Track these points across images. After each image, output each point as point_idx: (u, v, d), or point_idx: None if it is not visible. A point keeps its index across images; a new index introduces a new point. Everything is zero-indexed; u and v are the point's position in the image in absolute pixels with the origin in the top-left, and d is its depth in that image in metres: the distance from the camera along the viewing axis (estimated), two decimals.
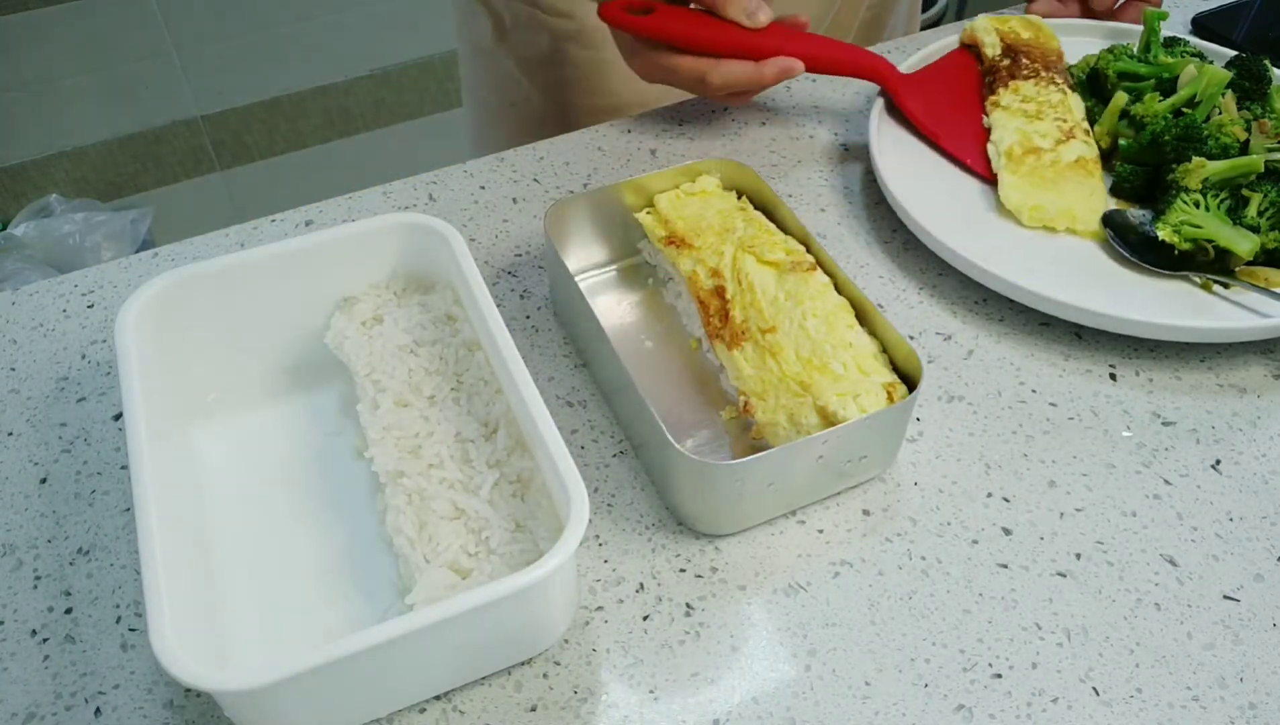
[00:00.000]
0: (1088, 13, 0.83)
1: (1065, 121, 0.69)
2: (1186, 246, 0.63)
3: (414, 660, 0.43)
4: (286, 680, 0.38)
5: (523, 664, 0.47)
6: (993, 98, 0.72)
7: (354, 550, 0.50)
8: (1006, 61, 0.73)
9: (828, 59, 0.71)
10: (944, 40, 0.79)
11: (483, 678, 0.46)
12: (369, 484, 0.53)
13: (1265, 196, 0.63)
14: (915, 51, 0.78)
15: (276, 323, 0.55)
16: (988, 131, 0.71)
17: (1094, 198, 0.66)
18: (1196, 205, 0.64)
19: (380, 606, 0.48)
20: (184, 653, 0.38)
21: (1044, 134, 0.68)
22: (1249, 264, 0.63)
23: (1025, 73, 0.72)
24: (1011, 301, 0.63)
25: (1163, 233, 0.63)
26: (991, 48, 0.75)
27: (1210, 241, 0.63)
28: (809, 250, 0.57)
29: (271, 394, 0.56)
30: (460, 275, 0.52)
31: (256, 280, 0.53)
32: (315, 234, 0.54)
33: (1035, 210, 0.65)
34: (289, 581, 0.49)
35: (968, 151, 0.70)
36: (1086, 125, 0.71)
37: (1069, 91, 0.72)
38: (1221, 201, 0.64)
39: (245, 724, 0.43)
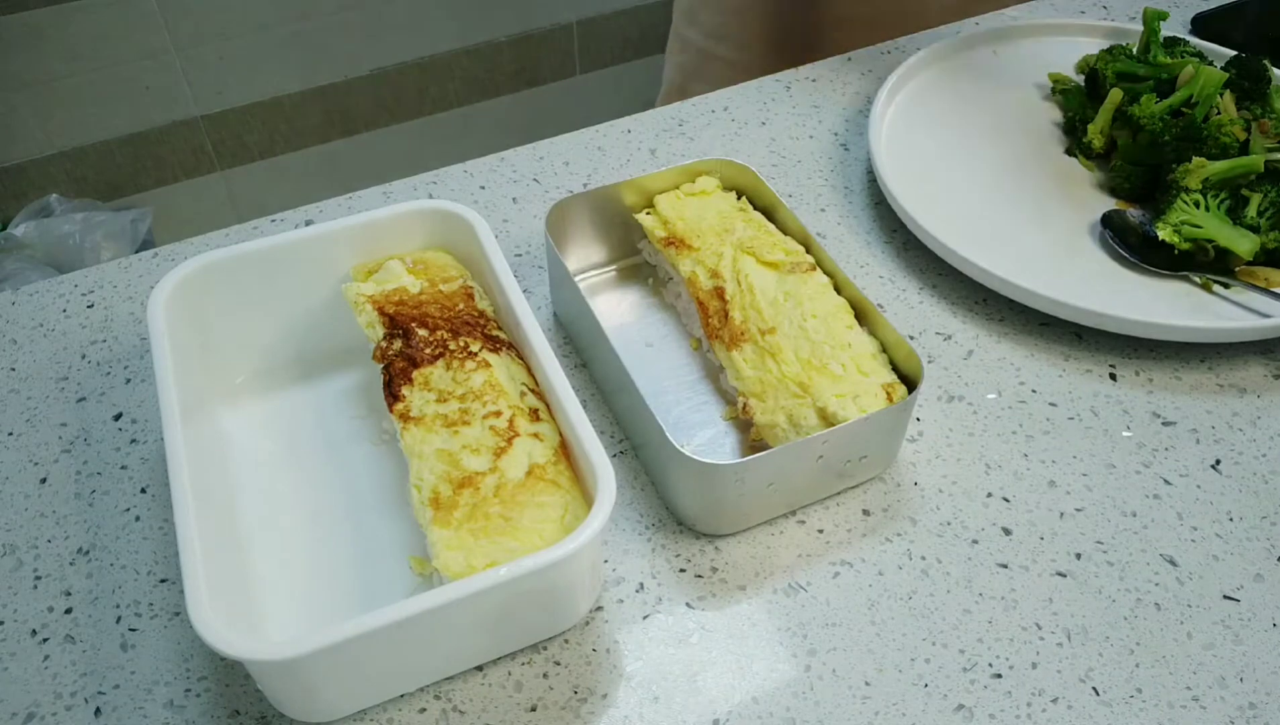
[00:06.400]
0: None
1: (499, 414, 0.48)
2: (1186, 246, 0.63)
3: (446, 633, 0.44)
4: (323, 650, 0.39)
5: (523, 664, 0.47)
6: (398, 407, 0.49)
7: (379, 531, 0.51)
8: (398, 344, 0.51)
9: None
10: (942, 42, 0.79)
11: (483, 678, 0.46)
12: (394, 466, 0.53)
13: (1265, 196, 0.63)
14: (915, 51, 0.78)
15: (304, 307, 0.56)
16: None
17: (566, 515, 0.45)
18: (1196, 205, 0.64)
19: (405, 585, 0.49)
20: (221, 624, 0.39)
21: (476, 447, 0.47)
22: (1249, 264, 0.63)
23: (429, 351, 0.51)
24: (1011, 301, 0.63)
25: (1163, 233, 0.63)
26: (371, 327, 0.53)
27: (1210, 241, 0.63)
28: (809, 250, 0.57)
29: (299, 377, 0.57)
30: (485, 260, 0.54)
31: (284, 265, 0.54)
32: (342, 220, 0.55)
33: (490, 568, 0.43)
34: (316, 560, 0.50)
35: None
36: (519, 404, 0.49)
37: (493, 355, 0.50)
38: (1221, 201, 0.64)
39: (278, 695, 0.44)
